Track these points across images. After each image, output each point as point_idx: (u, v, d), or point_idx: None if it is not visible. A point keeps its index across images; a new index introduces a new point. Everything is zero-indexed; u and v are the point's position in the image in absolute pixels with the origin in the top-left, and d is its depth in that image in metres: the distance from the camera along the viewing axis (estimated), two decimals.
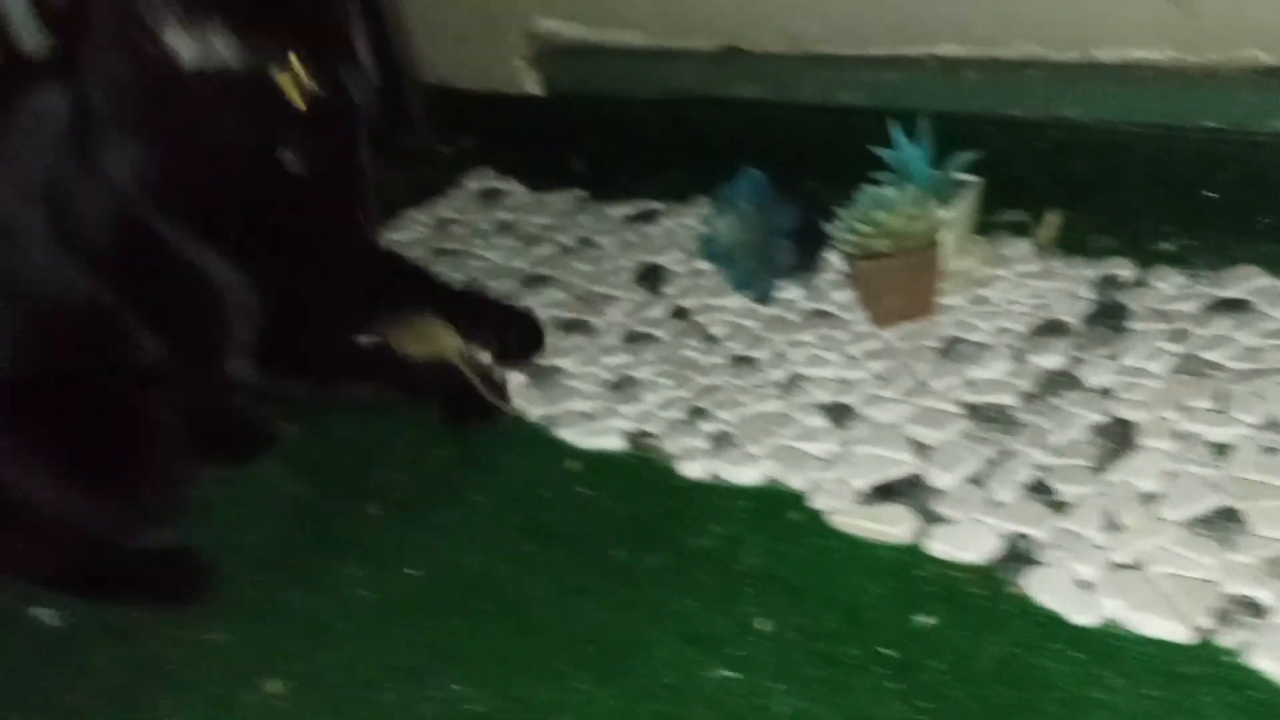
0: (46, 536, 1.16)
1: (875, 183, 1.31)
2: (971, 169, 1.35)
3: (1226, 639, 0.88)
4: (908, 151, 1.30)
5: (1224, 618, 0.89)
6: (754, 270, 1.37)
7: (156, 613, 1.16)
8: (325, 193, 1.15)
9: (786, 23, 1.61)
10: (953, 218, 1.29)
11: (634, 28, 1.77)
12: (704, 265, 1.50)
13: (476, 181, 1.90)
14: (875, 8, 1.51)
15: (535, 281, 1.58)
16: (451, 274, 1.63)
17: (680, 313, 1.43)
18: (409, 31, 2.02)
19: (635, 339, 1.40)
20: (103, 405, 1.14)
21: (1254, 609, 0.90)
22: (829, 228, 1.32)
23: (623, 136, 1.83)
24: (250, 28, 1.02)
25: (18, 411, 1.11)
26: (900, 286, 1.26)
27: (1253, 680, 0.85)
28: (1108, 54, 1.37)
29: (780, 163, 1.46)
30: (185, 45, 1.00)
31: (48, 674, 1.12)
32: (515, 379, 1.37)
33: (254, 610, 1.13)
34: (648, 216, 1.67)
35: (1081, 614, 0.93)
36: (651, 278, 1.52)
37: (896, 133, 1.31)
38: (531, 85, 1.94)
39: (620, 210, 1.71)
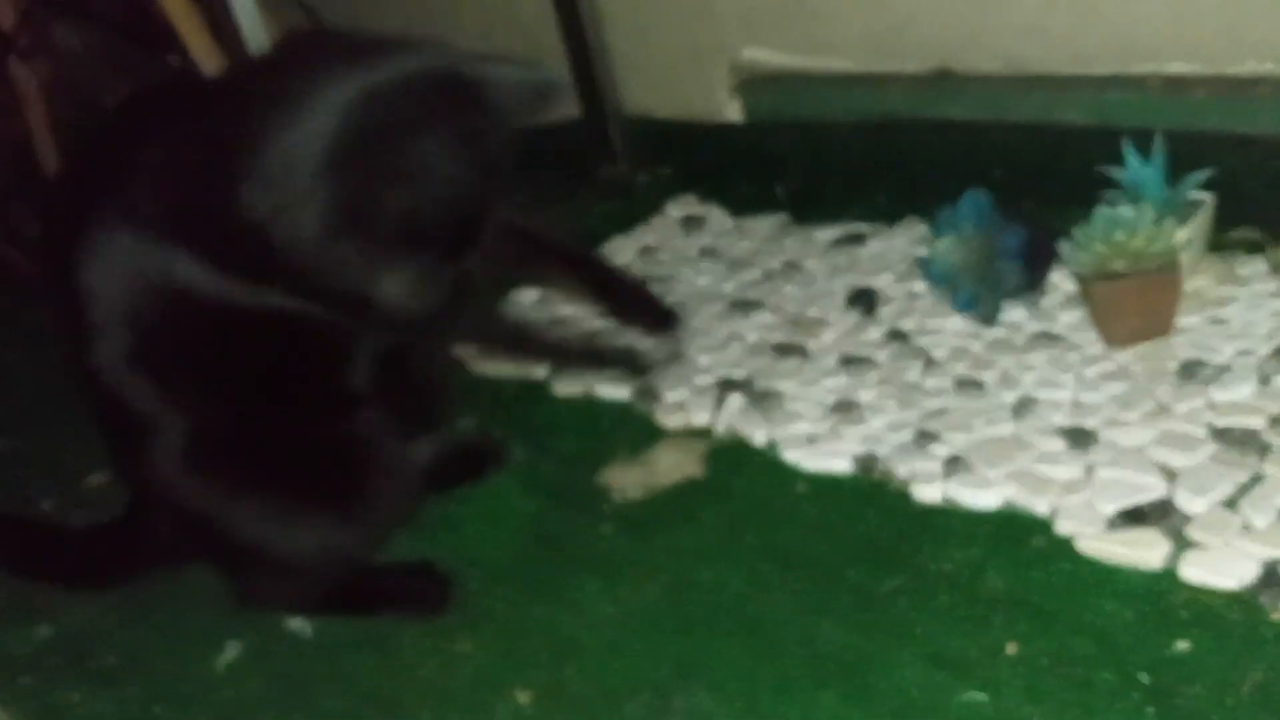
0: (296, 576, 1.23)
1: (1101, 203, 1.29)
2: (1204, 187, 1.32)
3: None
4: (1141, 171, 1.28)
5: None
6: (978, 292, 1.37)
7: (406, 624, 1.21)
8: None
9: (1002, 44, 1.60)
10: (1189, 237, 1.27)
11: (842, 54, 1.79)
12: (919, 287, 1.51)
13: (678, 209, 1.93)
14: (1097, 27, 1.49)
15: (744, 305, 1.61)
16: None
17: (898, 335, 1.44)
18: (611, 64, 2.08)
19: (853, 362, 1.41)
20: (323, 438, 1.19)
21: None
22: (1059, 248, 1.31)
23: (826, 161, 1.84)
24: None
25: (249, 464, 1.17)
26: (1138, 307, 1.24)
27: None
28: None
29: (994, 184, 1.45)
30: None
31: (309, 682, 1.18)
32: (734, 403, 1.39)
33: (500, 622, 1.18)
34: (855, 240, 1.68)
35: None
36: (864, 300, 1.53)
37: (1129, 152, 1.29)
38: (732, 113, 1.98)
39: (826, 234, 1.72)
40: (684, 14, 1.97)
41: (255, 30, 1.69)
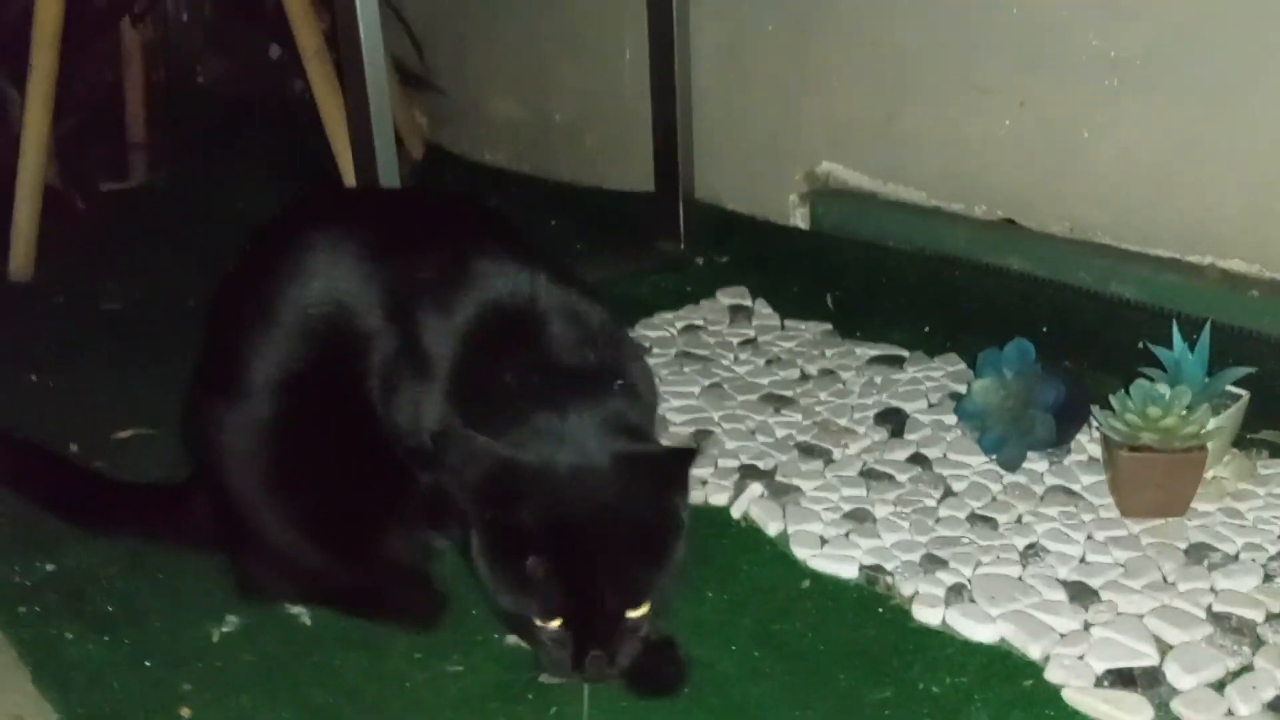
0: (300, 578, 1.27)
1: (1141, 376, 1.34)
2: (1241, 383, 1.37)
3: None
4: (1185, 354, 1.33)
5: None
6: (1007, 436, 1.42)
7: (400, 632, 1.24)
8: None
9: (1071, 208, 1.67)
10: (1219, 426, 1.32)
11: (916, 185, 1.86)
12: (949, 420, 1.55)
13: (729, 297, 1.99)
14: (1166, 210, 1.56)
15: (777, 401, 1.65)
16: (697, 379, 1.72)
17: (922, 460, 1.48)
18: (692, 149, 2.15)
19: (874, 476, 1.45)
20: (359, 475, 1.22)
21: None
22: (1092, 411, 1.35)
23: (879, 282, 1.91)
24: None
25: (305, 472, 1.21)
26: (1159, 483, 1.29)
27: None
28: None
29: (1040, 338, 1.51)
30: None
31: (298, 669, 1.20)
32: (754, 490, 1.43)
33: (493, 651, 1.20)
34: (893, 361, 1.73)
35: None
36: (893, 420, 1.57)
37: (1176, 334, 1.34)
38: (798, 219, 2.04)
39: (867, 350, 1.77)
40: (772, 117, 2.05)
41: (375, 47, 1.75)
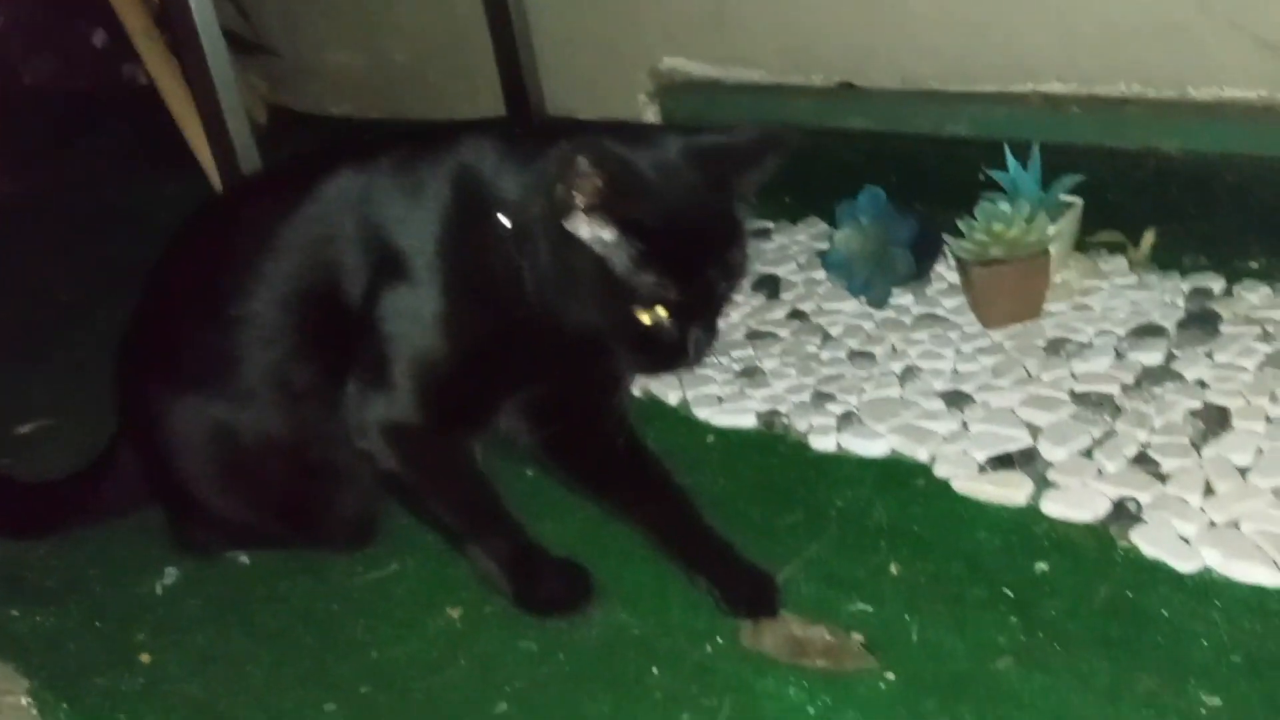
0: (240, 532, 1.30)
1: (989, 201, 1.44)
2: (1074, 192, 1.49)
3: None
4: (1019, 173, 1.44)
5: None
6: (872, 277, 1.52)
7: (337, 554, 1.29)
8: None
9: (899, 62, 1.76)
10: (1058, 233, 1.43)
11: (756, 66, 1.93)
12: (818, 276, 1.65)
13: None
14: (983, 48, 1.66)
15: None
16: None
17: (799, 315, 1.58)
18: (536, 67, 2.20)
19: (758, 336, 1.54)
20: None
21: None
22: (945, 242, 1.46)
23: None
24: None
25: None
26: (1012, 291, 1.40)
27: None
28: (1203, 93, 1.51)
29: (890, 188, 1.60)
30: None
31: (246, 603, 1.25)
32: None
33: (428, 550, 1.26)
34: (761, 234, 1.82)
35: (1184, 563, 1.05)
36: (769, 285, 1.66)
37: (1010, 156, 1.45)
38: (649, 116, 2.11)
39: None
40: (609, 23, 2.11)
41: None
